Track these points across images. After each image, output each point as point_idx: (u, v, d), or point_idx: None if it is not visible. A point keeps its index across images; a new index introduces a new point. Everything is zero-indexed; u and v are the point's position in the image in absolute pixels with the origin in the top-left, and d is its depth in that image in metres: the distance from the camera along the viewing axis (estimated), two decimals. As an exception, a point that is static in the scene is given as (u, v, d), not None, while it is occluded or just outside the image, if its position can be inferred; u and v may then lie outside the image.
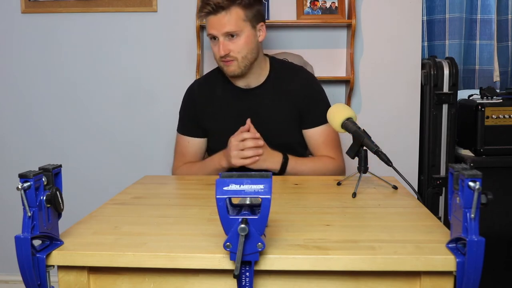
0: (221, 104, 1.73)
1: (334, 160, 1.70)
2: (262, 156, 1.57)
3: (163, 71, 2.39)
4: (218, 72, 1.77)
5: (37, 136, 2.45)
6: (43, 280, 0.86)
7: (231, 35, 1.59)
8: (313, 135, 1.71)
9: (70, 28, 2.37)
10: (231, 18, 1.58)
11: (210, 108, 1.73)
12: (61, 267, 0.90)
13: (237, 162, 1.55)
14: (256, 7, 1.64)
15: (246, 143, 1.55)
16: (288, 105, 1.70)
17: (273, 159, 1.60)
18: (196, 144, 1.77)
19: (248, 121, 1.59)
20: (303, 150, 1.76)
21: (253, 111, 1.69)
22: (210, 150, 1.77)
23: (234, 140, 1.56)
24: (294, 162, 1.62)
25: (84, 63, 2.40)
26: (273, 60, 1.77)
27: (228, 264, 0.85)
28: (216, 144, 1.73)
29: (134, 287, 0.91)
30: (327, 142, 1.71)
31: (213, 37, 1.62)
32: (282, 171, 1.61)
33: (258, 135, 1.57)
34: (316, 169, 1.65)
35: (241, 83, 1.71)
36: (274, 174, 1.54)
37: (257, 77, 1.71)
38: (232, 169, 1.59)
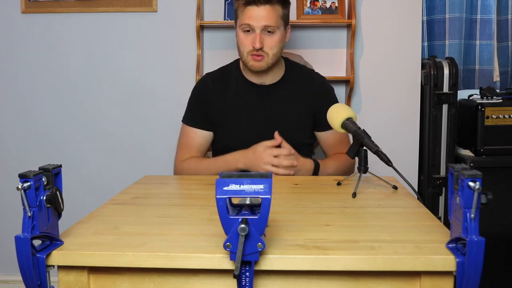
0: (234, 98, 1.72)
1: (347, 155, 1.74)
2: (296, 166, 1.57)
3: (163, 71, 2.39)
4: (232, 67, 1.78)
5: (37, 136, 2.45)
6: (43, 280, 0.86)
7: (268, 30, 1.60)
8: (329, 136, 1.75)
9: (70, 28, 2.37)
10: (273, 13, 1.59)
11: (221, 101, 1.72)
12: (61, 267, 0.89)
13: (269, 168, 1.54)
14: (288, 9, 1.67)
15: (281, 151, 1.55)
16: (302, 106, 1.71)
17: (306, 167, 1.61)
18: (202, 136, 1.74)
19: (276, 134, 1.58)
20: (309, 151, 1.77)
21: (266, 107, 1.70)
22: (217, 144, 1.76)
23: (268, 149, 1.55)
24: (323, 166, 1.65)
25: (84, 63, 2.40)
26: (287, 60, 1.78)
27: (228, 264, 0.85)
28: (223, 138, 1.72)
29: (134, 287, 0.91)
30: (341, 141, 1.75)
31: (247, 29, 1.61)
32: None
33: (292, 150, 1.56)
34: (339, 167, 1.69)
35: (257, 80, 1.71)
36: None
37: (273, 75, 1.72)
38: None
